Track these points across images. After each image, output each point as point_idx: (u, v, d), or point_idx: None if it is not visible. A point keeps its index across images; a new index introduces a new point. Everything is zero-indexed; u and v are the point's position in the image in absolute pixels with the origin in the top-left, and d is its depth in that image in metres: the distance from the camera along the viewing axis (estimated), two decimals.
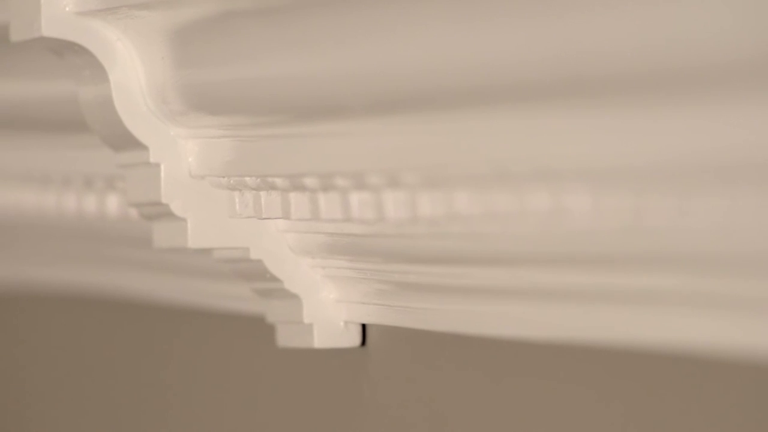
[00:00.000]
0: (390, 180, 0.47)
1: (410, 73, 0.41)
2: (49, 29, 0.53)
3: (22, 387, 1.00)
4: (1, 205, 0.85)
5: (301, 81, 0.49)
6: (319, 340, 0.59)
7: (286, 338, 0.62)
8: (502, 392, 0.52)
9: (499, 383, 0.53)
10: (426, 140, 0.44)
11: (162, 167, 0.57)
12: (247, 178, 0.56)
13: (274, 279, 0.59)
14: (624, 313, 0.40)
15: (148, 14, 0.53)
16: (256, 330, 0.66)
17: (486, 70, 0.36)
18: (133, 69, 0.56)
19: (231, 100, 0.54)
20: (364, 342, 0.61)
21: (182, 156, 0.57)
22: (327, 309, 0.60)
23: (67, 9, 0.54)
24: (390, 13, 0.40)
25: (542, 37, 0.32)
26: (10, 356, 1.01)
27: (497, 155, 0.40)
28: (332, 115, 0.49)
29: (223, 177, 0.57)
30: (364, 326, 0.61)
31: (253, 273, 0.60)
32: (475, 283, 0.49)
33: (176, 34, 0.54)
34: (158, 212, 0.59)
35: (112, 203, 0.73)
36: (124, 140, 0.58)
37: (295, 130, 0.53)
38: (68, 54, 0.57)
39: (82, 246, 0.83)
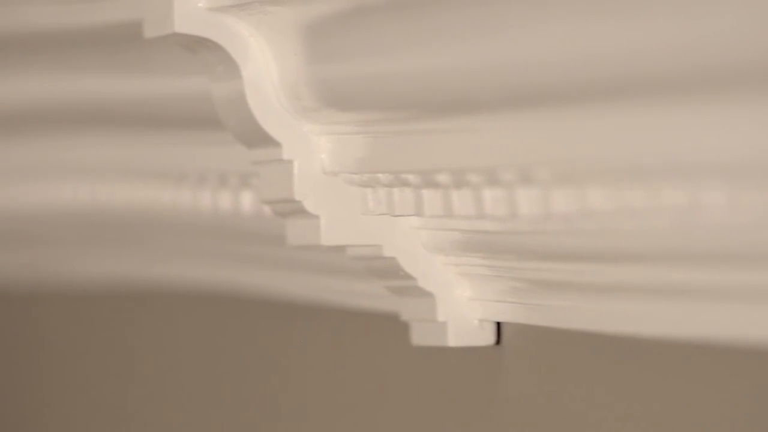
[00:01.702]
0: (523, 176, 0.47)
1: (543, 66, 0.41)
2: (181, 25, 0.55)
3: (155, 382, 1.02)
4: (136, 202, 0.88)
5: (434, 76, 0.49)
6: (454, 339, 0.60)
7: (420, 336, 0.62)
8: (639, 391, 0.52)
9: (636, 382, 0.52)
10: (559, 135, 0.44)
11: (295, 164, 0.58)
12: (380, 175, 0.57)
13: (408, 277, 0.60)
14: (765, 312, 0.39)
15: (281, 10, 0.54)
16: (390, 328, 0.67)
17: (619, 62, 0.36)
18: (265, 65, 0.57)
19: (364, 96, 0.55)
20: (498, 340, 0.61)
21: (315, 153, 0.58)
22: (461, 307, 0.60)
23: (200, 5, 0.55)
24: (523, 6, 0.40)
25: (674, 29, 0.32)
26: (144, 352, 1.04)
27: (630, 150, 0.40)
28: (465, 110, 0.49)
29: (356, 174, 0.58)
30: (498, 324, 0.61)
31: (387, 271, 0.61)
32: (610, 281, 0.49)
33: (309, 30, 0.55)
34: (291, 209, 0.60)
35: (246, 200, 0.75)
36: (257, 137, 0.59)
37: (428, 126, 0.53)
38: (201, 50, 0.58)
39: (217, 243, 0.84)
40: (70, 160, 0.96)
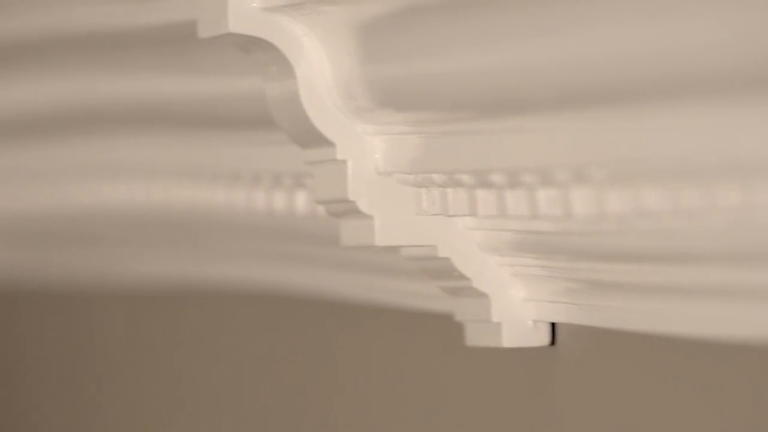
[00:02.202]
0: (577, 176, 0.47)
1: (598, 66, 0.41)
2: (236, 25, 0.55)
3: (209, 381, 1.03)
4: (191, 202, 0.89)
5: (489, 75, 0.49)
6: (508, 339, 0.60)
7: (474, 337, 0.63)
8: (697, 393, 0.52)
9: (694, 384, 0.52)
10: (613, 135, 0.44)
11: (349, 164, 0.58)
12: (434, 175, 0.57)
13: (462, 277, 0.60)
14: None
15: (335, 9, 0.55)
16: (445, 328, 0.67)
17: (675, 62, 0.36)
18: (319, 65, 0.58)
19: (418, 96, 0.55)
20: (553, 341, 0.61)
21: (369, 153, 0.59)
22: (516, 308, 0.60)
23: (254, 5, 0.55)
24: (578, 5, 0.40)
25: (730, 27, 0.32)
26: (199, 351, 1.05)
27: (685, 149, 0.40)
28: (520, 110, 0.49)
29: (410, 174, 0.58)
30: (553, 325, 0.61)
31: (441, 271, 0.61)
32: (665, 281, 0.48)
33: (363, 30, 0.55)
34: (345, 209, 0.60)
35: (300, 200, 0.75)
36: (310, 137, 0.59)
37: (482, 126, 0.53)
38: (255, 50, 0.58)
39: (271, 243, 0.85)
40: (125, 160, 0.97)
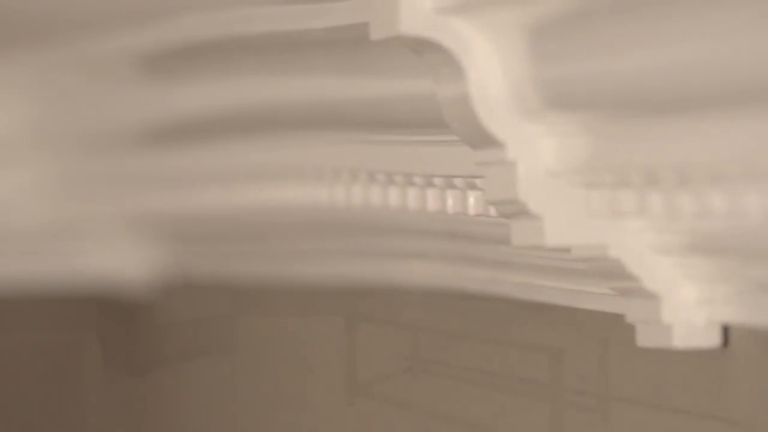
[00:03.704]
0: (748, 174, 0.47)
1: None
2: (407, 27, 0.56)
3: (380, 376, 1.07)
4: (365, 202, 0.91)
5: (661, 74, 0.49)
6: (679, 340, 0.60)
7: (645, 338, 0.63)
8: None
9: None
10: None
11: (519, 165, 0.59)
12: (604, 176, 0.57)
13: (632, 278, 0.60)
14: None
15: (506, 10, 0.55)
16: (615, 328, 0.68)
17: None
18: (490, 66, 0.59)
19: (590, 96, 0.55)
20: (725, 342, 0.61)
21: (539, 153, 0.59)
22: (687, 309, 0.60)
23: (427, 7, 0.57)
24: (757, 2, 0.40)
25: None
26: (370, 347, 1.08)
27: None
28: (690, 109, 0.49)
29: (580, 174, 0.59)
30: (725, 326, 0.61)
31: (611, 272, 0.62)
32: None
33: (534, 30, 0.55)
34: (515, 210, 0.61)
35: (472, 200, 0.76)
36: (481, 138, 0.60)
37: (652, 125, 0.53)
38: (426, 52, 0.60)
39: (443, 243, 0.87)
40: (299, 161, 0.99)
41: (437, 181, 0.80)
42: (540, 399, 0.84)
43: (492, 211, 0.69)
